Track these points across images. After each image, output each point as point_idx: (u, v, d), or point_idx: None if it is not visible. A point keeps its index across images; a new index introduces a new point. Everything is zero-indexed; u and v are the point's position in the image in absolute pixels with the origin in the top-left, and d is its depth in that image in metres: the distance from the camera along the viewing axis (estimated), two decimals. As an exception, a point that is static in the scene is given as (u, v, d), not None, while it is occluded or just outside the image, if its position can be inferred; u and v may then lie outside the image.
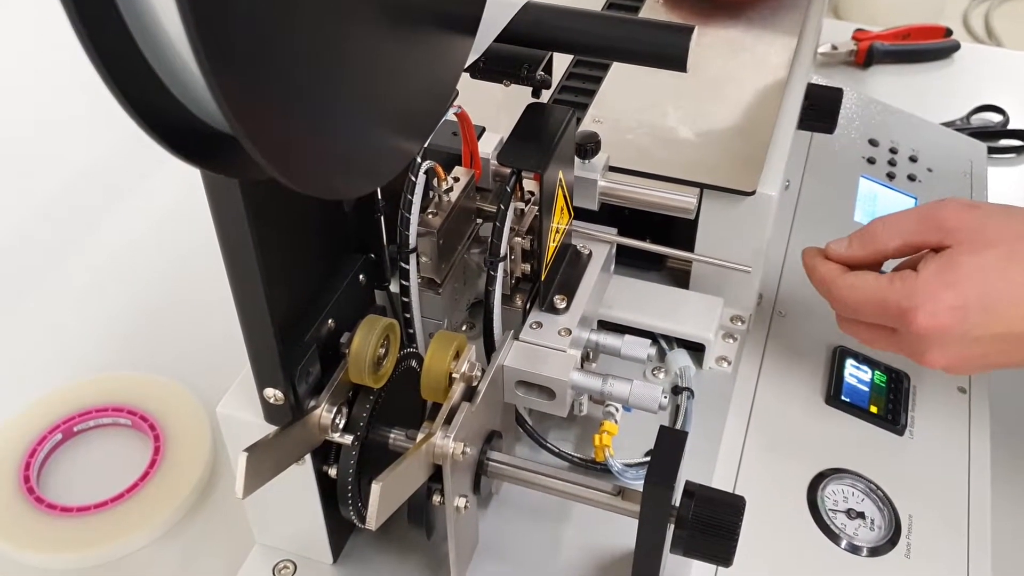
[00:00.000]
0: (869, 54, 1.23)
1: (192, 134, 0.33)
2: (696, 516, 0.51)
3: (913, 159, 1.00)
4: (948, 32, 1.29)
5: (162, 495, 0.71)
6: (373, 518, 0.44)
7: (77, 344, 0.84)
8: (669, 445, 0.51)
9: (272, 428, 0.49)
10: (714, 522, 0.51)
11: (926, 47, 1.26)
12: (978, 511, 0.69)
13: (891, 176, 0.98)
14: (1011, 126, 1.15)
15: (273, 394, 0.48)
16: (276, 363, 0.47)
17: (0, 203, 0.96)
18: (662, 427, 0.52)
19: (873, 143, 1.01)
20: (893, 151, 1.01)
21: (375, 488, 0.44)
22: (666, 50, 0.56)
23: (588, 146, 0.66)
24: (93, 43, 0.28)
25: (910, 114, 1.05)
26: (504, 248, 0.58)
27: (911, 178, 0.98)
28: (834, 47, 1.23)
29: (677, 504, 0.52)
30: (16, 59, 1.08)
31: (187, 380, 0.78)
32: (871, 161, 0.99)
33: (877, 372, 0.76)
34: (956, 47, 1.27)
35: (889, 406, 0.74)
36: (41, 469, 0.73)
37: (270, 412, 0.50)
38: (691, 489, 0.52)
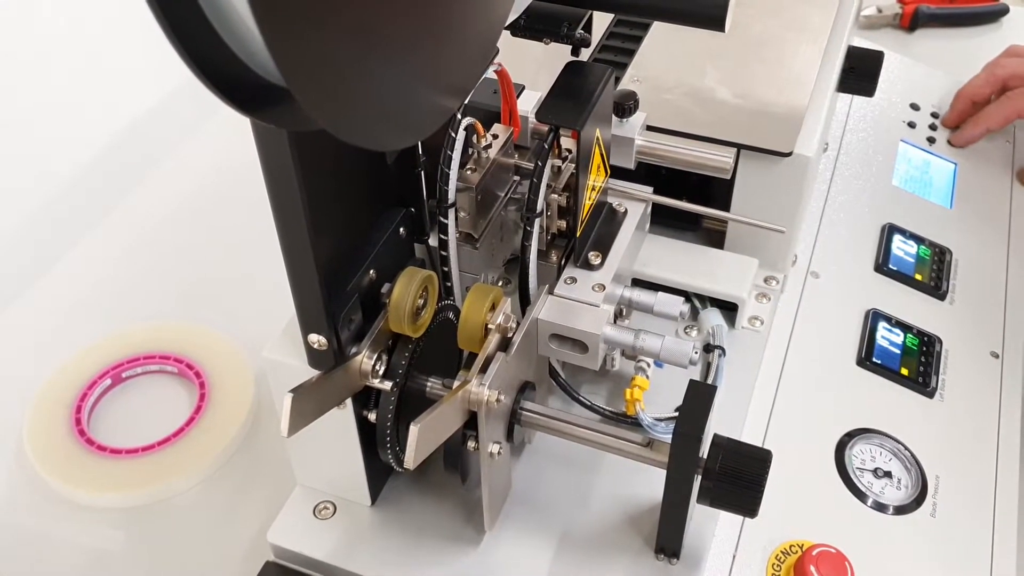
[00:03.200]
0: (914, 17, 1.21)
1: (245, 85, 0.34)
2: (723, 467, 0.52)
3: (955, 127, 1.00)
4: (997, -6, 1.27)
5: (207, 439, 0.73)
6: (411, 457, 0.46)
7: (126, 294, 0.87)
8: (698, 397, 0.52)
9: (315, 373, 0.51)
10: (740, 473, 0.52)
11: (974, 10, 1.24)
12: (1006, 474, 0.70)
13: (931, 141, 0.97)
14: (1058, 92, 1.13)
15: (317, 340, 0.50)
16: (320, 310, 0.49)
17: (54, 154, 0.99)
18: (692, 380, 0.53)
19: (914, 107, 1.00)
20: (935, 115, 1.00)
21: (413, 429, 0.46)
22: (705, 9, 0.56)
23: (626, 105, 0.67)
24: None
25: (952, 78, 1.04)
26: (541, 204, 0.59)
27: (952, 143, 0.98)
28: (879, 10, 1.22)
29: (705, 456, 0.53)
30: (71, 12, 1.10)
31: (231, 330, 0.81)
32: (912, 125, 0.98)
33: (909, 335, 0.77)
34: (1005, 11, 1.24)
35: (920, 369, 0.74)
36: (92, 412, 0.76)
37: (314, 357, 0.52)
38: (719, 441, 0.53)
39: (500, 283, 0.69)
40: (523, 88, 0.68)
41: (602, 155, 0.63)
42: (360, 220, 0.52)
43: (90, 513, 0.70)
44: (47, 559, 0.68)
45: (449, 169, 0.57)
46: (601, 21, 0.81)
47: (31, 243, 0.92)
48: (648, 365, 0.65)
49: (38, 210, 0.94)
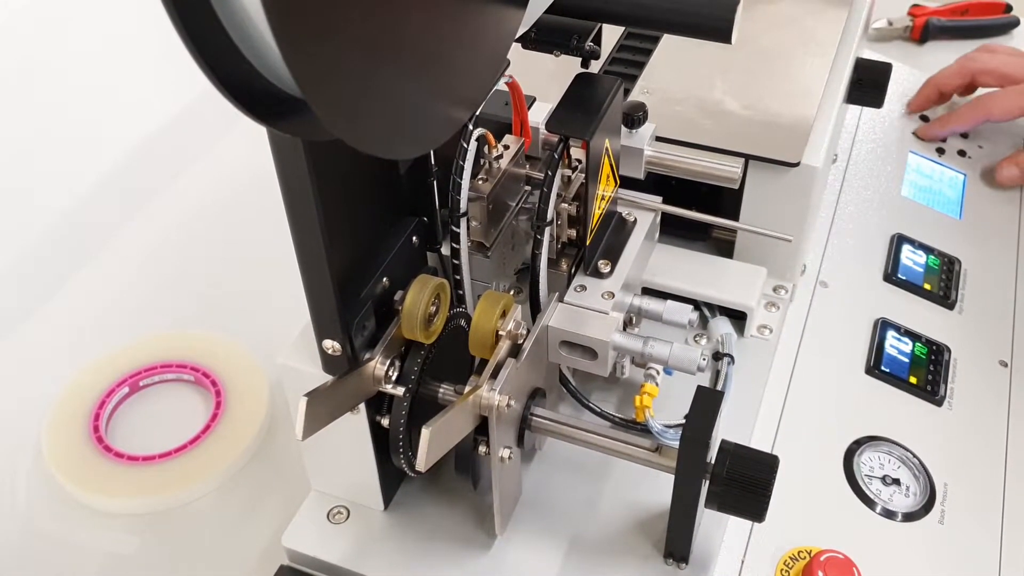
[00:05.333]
0: (925, 29, 1.21)
1: (262, 96, 0.35)
2: (730, 472, 0.53)
3: (964, 135, 1.00)
4: (1008, 8, 1.27)
5: (222, 447, 0.74)
6: (423, 460, 0.47)
7: (144, 303, 0.88)
8: (706, 402, 0.53)
9: (329, 379, 0.52)
10: (748, 478, 0.53)
11: (985, 23, 1.24)
12: (1015, 482, 0.70)
13: (940, 152, 0.98)
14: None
15: (331, 345, 0.51)
16: (335, 316, 0.50)
17: (72, 167, 1.00)
18: (699, 386, 0.54)
19: (924, 119, 1.01)
20: (944, 127, 1.01)
21: (425, 432, 0.47)
22: (713, 22, 0.57)
23: (635, 116, 0.68)
24: (178, 11, 0.30)
25: (963, 90, 1.05)
26: (551, 213, 0.60)
27: (961, 154, 0.98)
28: (889, 22, 1.22)
29: (713, 461, 0.54)
30: (91, 25, 1.11)
31: (246, 339, 0.82)
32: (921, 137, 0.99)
33: (918, 344, 0.77)
34: (1016, 23, 1.24)
35: (929, 377, 0.75)
36: (109, 420, 0.78)
37: (328, 362, 0.53)
38: (726, 447, 0.54)
39: (511, 291, 0.70)
40: (534, 100, 0.69)
41: (611, 165, 0.64)
42: (374, 229, 0.54)
43: (107, 519, 0.71)
44: (65, 564, 0.69)
45: (461, 179, 0.58)
46: (611, 34, 0.82)
47: (50, 253, 0.93)
48: (657, 372, 0.66)
49: (57, 221, 0.96)
